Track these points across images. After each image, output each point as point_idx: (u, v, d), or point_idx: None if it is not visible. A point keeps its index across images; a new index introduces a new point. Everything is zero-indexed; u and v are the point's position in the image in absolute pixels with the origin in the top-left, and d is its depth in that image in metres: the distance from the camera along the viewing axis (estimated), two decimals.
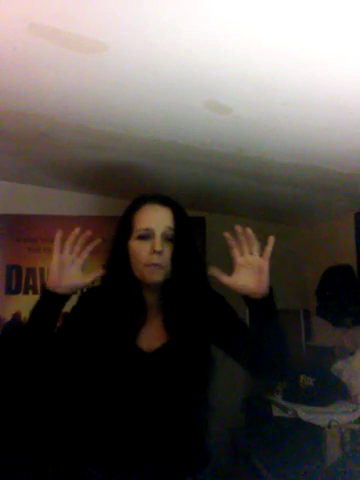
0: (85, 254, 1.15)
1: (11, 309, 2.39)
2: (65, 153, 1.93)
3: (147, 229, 1.10)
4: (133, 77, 1.23)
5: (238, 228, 1.10)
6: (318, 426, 1.86)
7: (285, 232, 2.91)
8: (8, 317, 2.37)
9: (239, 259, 1.12)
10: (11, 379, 1.53)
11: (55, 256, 1.12)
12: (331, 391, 2.07)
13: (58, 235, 1.12)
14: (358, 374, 2.12)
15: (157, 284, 1.12)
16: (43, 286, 1.16)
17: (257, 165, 1.86)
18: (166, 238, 1.11)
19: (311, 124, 1.44)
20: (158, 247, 1.07)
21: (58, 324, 1.17)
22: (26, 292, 2.42)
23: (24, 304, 2.40)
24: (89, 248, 1.14)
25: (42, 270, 2.45)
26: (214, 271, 1.09)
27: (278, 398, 2.17)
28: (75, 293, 1.18)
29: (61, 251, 1.12)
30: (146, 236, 1.10)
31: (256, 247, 1.10)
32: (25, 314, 2.39)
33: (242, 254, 1.12)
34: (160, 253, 1.08)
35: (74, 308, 1.24)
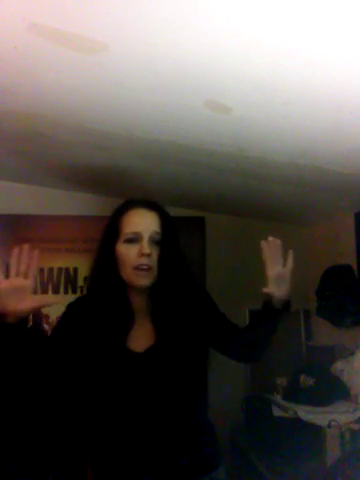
0: (32, 274, 1.08)
1: None
2: (65, 153, 1.93)
3: (135, 233, 1.12)
4: (133, 77, 1.23)
5: (270, 240, 1.16)
6: (318, 426, 1.86)
7: (285, 232, 2.90)
8: None
9: (273, 271, 1.28)
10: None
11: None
12: (331, 391, 2.07)
13: None
14: (358, 374, 2.12)
15: (145, 287, 1.13)
16: None
17: (257, 165, 1.86)
18: (153, 241, 1.12)
19: (311, 124, 1.44)
20: (146, 250, 1.09)
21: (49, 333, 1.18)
22: None
23: None
24: (34, 267, 1.08)
25: (42, 270, 2.45)
26: (269, 289, 1.24)
27: (278, 398, 2.18)
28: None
29: (7, 276, 1.05)
30: (134, 240, 1.12)
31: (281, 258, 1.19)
32: None
33: (274, 265, 1.25)
34: (148, 256, 1.09)
35: (62, 317, 1.24)
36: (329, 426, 1.82)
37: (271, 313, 1.25)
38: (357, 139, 1.52)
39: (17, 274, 1.06)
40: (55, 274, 2.46)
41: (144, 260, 1.10)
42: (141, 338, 1.15)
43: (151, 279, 1.12)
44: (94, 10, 0.97)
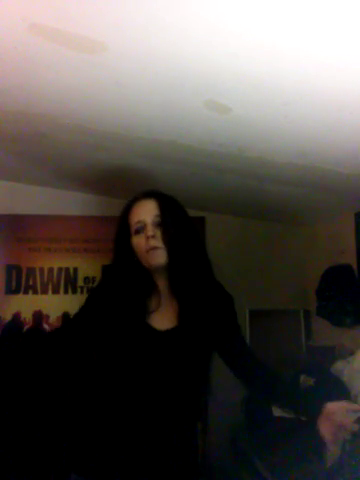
0: None
1: (11, 309, 2.39)
2: (65, 153, 1.93)
3: (139, 222, 1.21)
4: (133, 77, 1.23)
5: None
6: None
7: (285, 232, 2.91)
8: (8, 317, 2.38)
9: None
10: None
11: None
12: (331, 391, 2.07)
13: None
14: (358, 374, 2.11)
15: (161, 266, 1.20)
16: None
17: (257, 165, 1.86)
18: (157, 225, 1.21)
19: (311, 124, 1.44)
20: (149, 232, 1.19)
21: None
22: (26, 292, 2.42)
23: (24, 304, 2.40)
24: None
25: (42, 270, 2.45)
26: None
27: None
28: None
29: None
30: (141, 229, 1.21)
31: None
32: (25, 314, 2.39)
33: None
34: (153, 237, 1.18)
35: (88, 299, 1.31)
36: None
37: (295, 410, 1.35)
38: (357, 139, 1.52)
39: None
40: (55, 274, 2.46)
41: (151, 242, 1.18)
42: (163, 319, 1.21)
43: (164, 257, 1.19)
44: (94, 10, 0.97)
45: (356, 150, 1.61)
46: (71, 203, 2.53)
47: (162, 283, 1.24)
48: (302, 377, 2.13)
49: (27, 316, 2.39)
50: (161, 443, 1.14)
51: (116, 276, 1.27)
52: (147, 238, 1.18)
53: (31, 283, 2.44)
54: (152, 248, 1.18)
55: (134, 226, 1.22)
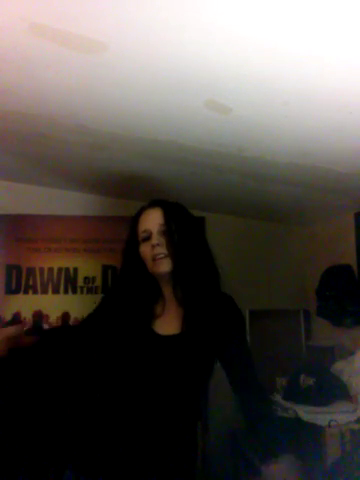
0: None
1: (11, 309, 2.39)
2: (65, 153, 1.93)
3: (145, 231, 1.25)
4: (133, 77, 1.23)
5: None
6: (318, 426, 1.86)
7: (285, 232, 2.91)
8: (8, 317, 2.37)
9: None
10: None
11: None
12: (331, 391, 2.07)
13: None
14: (358, 374, 2.12)
15: (166, 274, 1.23)
16: None
17: (257, 165, 1.86)
18: (162, 233, 1.23)
19: (311, 124, 1.44)
20: (154, 241, 1.22)
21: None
22: (26, 292, 2.42)
23: (24, 304, 2.40)
24: None
25: (42, 270, 2.45)
26: None
27: (278, 398, 2.17)
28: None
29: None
30: (147, 237, 1.24)
31: None
32: (25, 314, 2.39)
33: None
34: (158, 245, 1.21)
35: (98, 307, 1.35)
36: (329, 426, 1.82)
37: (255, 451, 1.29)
38: (357, 139, 1.52)
39: None
40: (55, 274, 2.46)
41: (156, 250, 1.21)
42: (168, 325, 1.23)
43: (169, 265, 1.22)
44: (94, 10, 0.97)
45: (356, 150, 1.61)
46: (71, 203, 2.53)
47: (167, 290, 1.27)
48: (302, 377, 2.13)
49: (27, 316, 2.39)
50: (159, 444, 1.14)
51: (124, 282, 1.30)
52: (152, 247, 1.22)
53: (31, 283, 2.43)
54: (157, 256, 1.21)
55: (141, 235, 1.25)
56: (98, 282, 2.47)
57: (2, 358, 1.21)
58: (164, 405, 1.16)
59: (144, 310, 1.24)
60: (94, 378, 1.26)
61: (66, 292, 2.45)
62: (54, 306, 2.42)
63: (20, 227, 2.46)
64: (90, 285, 2.47)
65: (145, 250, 1.24)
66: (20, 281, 2.42)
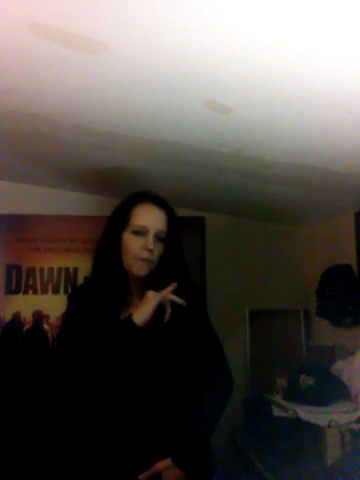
0: None
1: (11, 309, 2.39)
2: (65, 153, 1.93)
3: (142, 226, 1.19)
4: (133, 77, 1.23)
5: None
6: (318, 426, 1.85)
7: (285, 232, 2.91)
8: (8, 317, 2.37)
9: None
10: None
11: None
12: (331, 391, 2.07)
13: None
14: (358, 374, 2.12)
15: (141, 276, 1.21)
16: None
17: (257, 165, 1.86)
18: (158, 238, 1.20)
19: (311, 124, 1.44)
20: (150, 245, 1.17)
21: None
22: (26, 292, 2.42)
23: (24, 304, 2.40)
24: None
25: (42, 270, 2.45)
26: None
27: (278, 398, 2.18)
28: None
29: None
30: (140, 232, 1.19)
31: None
32: (25, 314, 2.39)
33: None
34: (151, 251, 1.17)
35: (67, 311, 1.30)
36: (329, 426, 1.82)
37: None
38: (357, 139, 1.52)
39: None
40: (55, 274, 2.46)
41: (146, 254, 1.18)
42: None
43: (148, 270, 1.19)
44: (94, 10, 0.97)
45: (356, 150, 1.61)
46: (71, 203, 2.53)
47: (135, 287, 1.24)
48: (302, 377, 2.13)
49: (27, 316, 2.39)
50: (152, 437, 1.13)
51: (100, 276, 1.25)
52: (144, 248, 1.17)
53: (31, 283, 2.43)
54: (143, 259, 1.18)
55: (134, 226, 1.20)
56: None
57: None
58: (146, 404, 1.15)
59: (118, 305, 1.21)
60: (80, 382, 1.21)
61: (66, 292, 2.45)
62: (54, 306, 2.42)
63: (20, 227, 2.45)
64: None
65: (131, 242, 1.19)
66: (20, 281, 2.42)
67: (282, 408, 2.07)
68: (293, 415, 1.98)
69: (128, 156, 1.90)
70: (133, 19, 0.99)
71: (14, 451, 2.04)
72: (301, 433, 1.93)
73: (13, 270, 2.43)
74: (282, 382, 2.26)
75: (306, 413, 1.94)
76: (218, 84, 1.24)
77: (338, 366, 2.25)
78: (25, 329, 2.38)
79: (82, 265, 2.48)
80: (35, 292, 2.43)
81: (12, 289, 2.41)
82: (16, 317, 2.38)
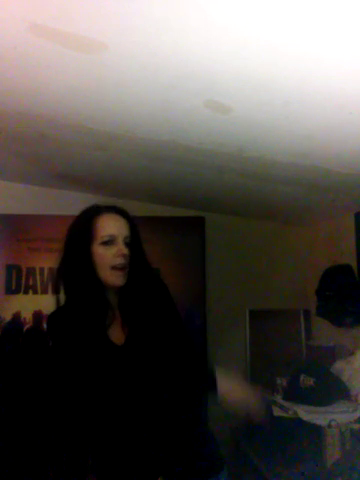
0: None
1: (11, 309, 2.39)
2: (65, 153, 1.93)
3: (111, 235, 1.20)
4: (133, 77, 1.23)
5: None
6: (318, 426, 1.86)
7: (285, 232, 2.91)
8: (8, 317, 2.38)
9: None
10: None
11: None
12: (331, 391, 2.07)
13: None
14: (358, 374, 2.12)
15: (119, 286, 1.21)
16: None
17: (257, 165, 1.86)
18: (125, 244, 1.21)
19: (311, 124, 1.44)
20: (124, 250, 1.19)
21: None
22: (26, 292, 2.42)
23: (24, 304, 2.40)
24: None
25: (42, 270, 2.45)
26: None
27: (278, 398, 2.17)
28: None
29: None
30: (109, 242, 1.20)
31: None
32: (25, 314, 2.39)
33: None
34: (124, 256, 1.19)
35: (48, 332, 1.33)
36: (329, 426, 1.82)
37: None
38: (357, 139, 1.52)
39: None
40: (55, 274, 2.46)
41: (121, 260, 1.18)
42: (118, 332, 1.22)
43: (125, 279, 1.20)
44: (94, 10, 0.97)
45: (356, 150, 1.61)
46: (71, 203, 2.52)
47: (114, 300, 1.24)
48: (302, 377, 2.13)
49: (27, 316, 2.39)
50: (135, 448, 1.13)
51: (77, 291, 1.23)
52: (118, 255, 1.18)
53: (31, 283, 2.44)
54: (119, 267, 1.18)
55: (103, 237, 1.19)
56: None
57: None
58: (136, 418, 1.15)
59: (99, 322, 1.19)
60: (64, 395, 1.23)
61: None
62: (54, 306, 2.42)
63: (20, 227, 2.46)
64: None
65: (104, 253, 1.18)
66: (20, 281, 2.42)
67: (282, 408, 2.07)
68: (293, 415, 1.98)
69: (128, 156, 1.90)
70: (133, 19, 0.99)
71: (14, 451, 2.04)
72: (301, 433, 1.93)
73: (13, 270, 2.43)
74: (282, 382, 2.26)
75: (306, 413, 1.94)
76: (218, 84, 1.24)
77: (338, 366, 2.25)
78: (25, 329, 2.38)
79: None
80: (35, 292, 2.43)
81: (12, 289, 2.41)
82: (16, 317, 2.38)
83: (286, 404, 2.07)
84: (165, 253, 2.48)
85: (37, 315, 2.40)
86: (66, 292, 1.27)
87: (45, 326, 2.39)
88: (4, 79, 1.30)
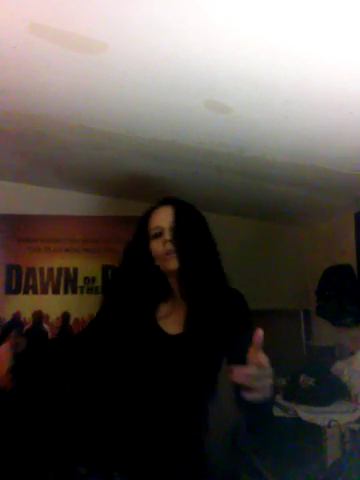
0: None
1: (11, 309, 2.39)
2: (65, 153, 1.93)
3: (157, 227, 1.28)
4: (133, 77, 1.23)
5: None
6: (318, 426, 1.85)
7: (285, 232, 2.91)
8: (8, 317, 2.37)
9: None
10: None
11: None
12: (331, 391, 2.07)
13: None
14: (358, 374, 2.12)
15: (175, 271, 1.24)
16: None
17: (257, 165, 1.86)
18: (173, 230, 1.26)
19: (311, 124, 1.44)
20: (167, 237, 1.24)
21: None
22: (26, 292, 2.42)
23: (24, 304, 2.40)
24: None
25: (42, 270, 2.45)
26: None
27: (278, 398, 2.17)
28: None
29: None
30: (158, 234, 1.27)
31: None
32: (25, 314, 2.39)
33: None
34: (170, 241, 1.24)
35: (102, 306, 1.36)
36: (329, 426, 1.82)
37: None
38: (357, 139, 1.52)
39: None
40: (55, 274, 2.46)
41: (168, 246, 1.24)
42: (176, 323, 1.23)
43: (178, 262, 1.23)
44: (94, 10, 0.97)
45: (356, 150, 1.61)
46: (71, 203, 2.53)
47: (176, 287, 1.28)
48: (302, 377, 2.13)
49: (27, 316, 2.39)
50: (165, 444, 1.14)
51: (130, 279, 1.30)
52: (164, 242, 1.24)
53: (31, 283, 2.43)
54: (169, 251, 1.23)
55: (152, 231, 1.28)
56: (98, 282, 2.47)
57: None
58: (171, 405, 1.16)
59: (151, 308, 1.26)
60: (102, 380, 1.25)
61: (66, 292, 2.45)
62: (54, 306, 2.42)
63: (20, 227, 2.45)
64: (90, 285, 2.47)
65: (156, 246, 1.26)
66: (20, 281, 2.42)
67: (282, 408, 2.06)
68: (293, 415, 1.98)
69: (128, 156, 1.90)
70: (133, 19, 0.99)
71: (14, 452, 2.04)
72: (301, 433, 1.93)
73: (13, 270, 2.43)
74: (282, 382, 2.26)
75: (306, 413, 1.94)
76: (218, 84, 1.24)
77: (338, 366, 2.25)
78: (25, 329, 2.38)
79: (82, 265, 2.48)
80: (35, 292, 2.43)
81: (12, 289, 2.41)
82: (16, 317, 2.38)
83: (286, 404, 2.07)
84: None
85: (37, 315, 2.40)
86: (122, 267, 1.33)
87: (45, 326, 2.39)
88: (4, 79, 1.30)
